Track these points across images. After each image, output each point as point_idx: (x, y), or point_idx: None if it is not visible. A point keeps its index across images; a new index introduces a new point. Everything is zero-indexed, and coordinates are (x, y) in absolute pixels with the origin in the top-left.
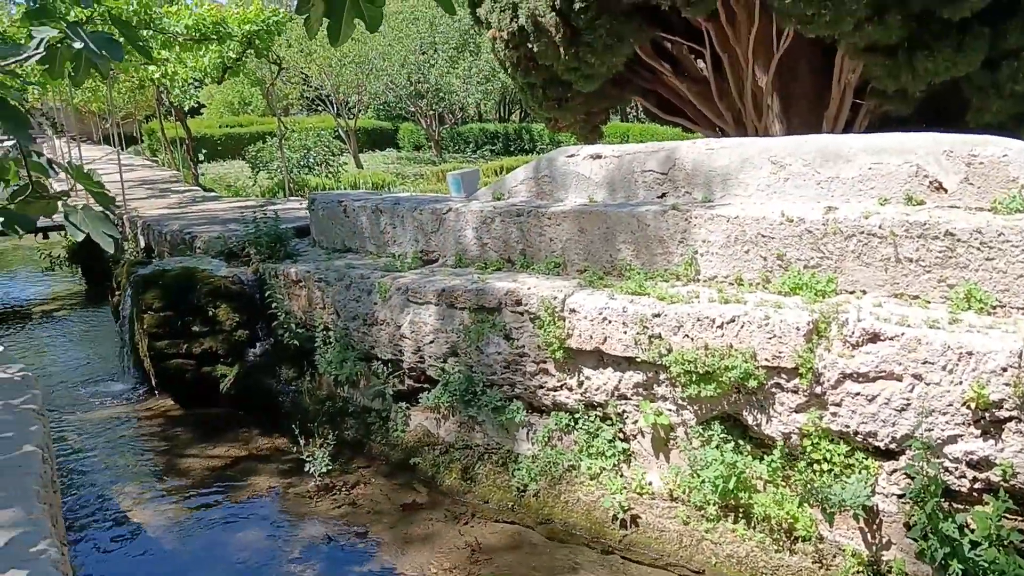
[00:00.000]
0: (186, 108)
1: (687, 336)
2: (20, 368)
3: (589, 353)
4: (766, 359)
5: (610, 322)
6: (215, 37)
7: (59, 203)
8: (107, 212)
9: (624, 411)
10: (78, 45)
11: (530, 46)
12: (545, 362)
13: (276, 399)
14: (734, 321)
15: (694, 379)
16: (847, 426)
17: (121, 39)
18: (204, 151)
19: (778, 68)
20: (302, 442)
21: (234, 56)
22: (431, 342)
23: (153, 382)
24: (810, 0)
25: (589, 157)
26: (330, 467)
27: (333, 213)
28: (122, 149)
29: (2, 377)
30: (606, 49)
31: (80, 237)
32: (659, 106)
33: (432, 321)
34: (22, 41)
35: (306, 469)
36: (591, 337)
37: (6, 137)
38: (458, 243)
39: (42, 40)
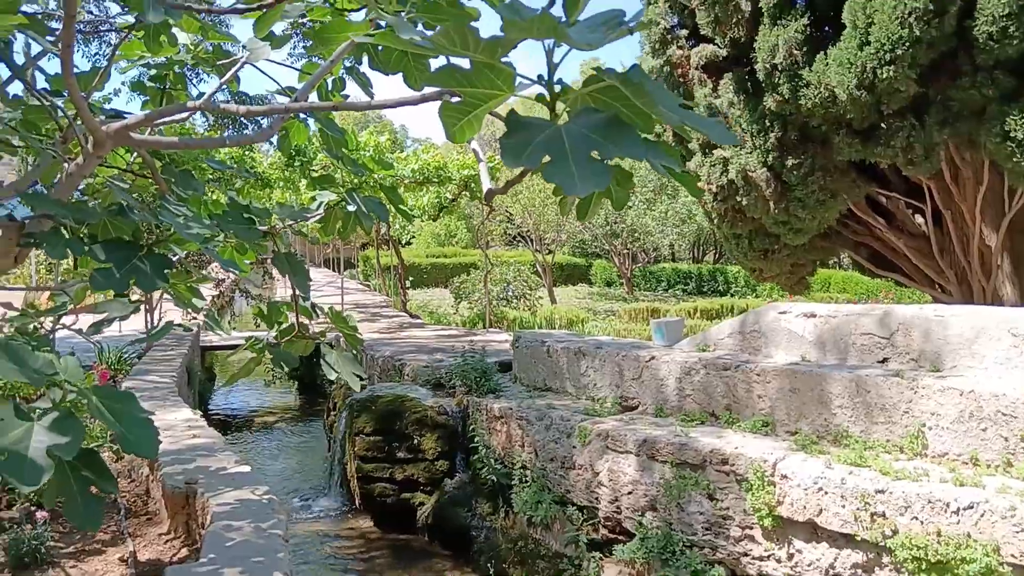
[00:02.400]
0: (402, 241)
1: (916, 518)
2: (266, 490)
3: (801, 524)
4: (1012, 555)
5: (826, 493)
6: (436, 180)
7: (315, 342)
8: (356, 353)
9: None
10: (352, 208)
11: (738, 199)
12: (751, 528)
13: (469, 533)
14: (972, 508)
15: (924, 567)
16: None
17: (387, 203)
18: (411, 278)
19: (1009, 227)
20: None
21: (450, 197)
22: (629, 493)
23: (356, 502)
24: None
25: (802, 315)
26: None
27: (536, 352)
28: (339, 272)
29: (251, 499)
30: (818, 204)
31: (333, 376)
32: (871, 259)
33: (631, 471)
34: (272, 180)
35: None
36: (804, 507)
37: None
38: (659, 392)
39: (322, 203)
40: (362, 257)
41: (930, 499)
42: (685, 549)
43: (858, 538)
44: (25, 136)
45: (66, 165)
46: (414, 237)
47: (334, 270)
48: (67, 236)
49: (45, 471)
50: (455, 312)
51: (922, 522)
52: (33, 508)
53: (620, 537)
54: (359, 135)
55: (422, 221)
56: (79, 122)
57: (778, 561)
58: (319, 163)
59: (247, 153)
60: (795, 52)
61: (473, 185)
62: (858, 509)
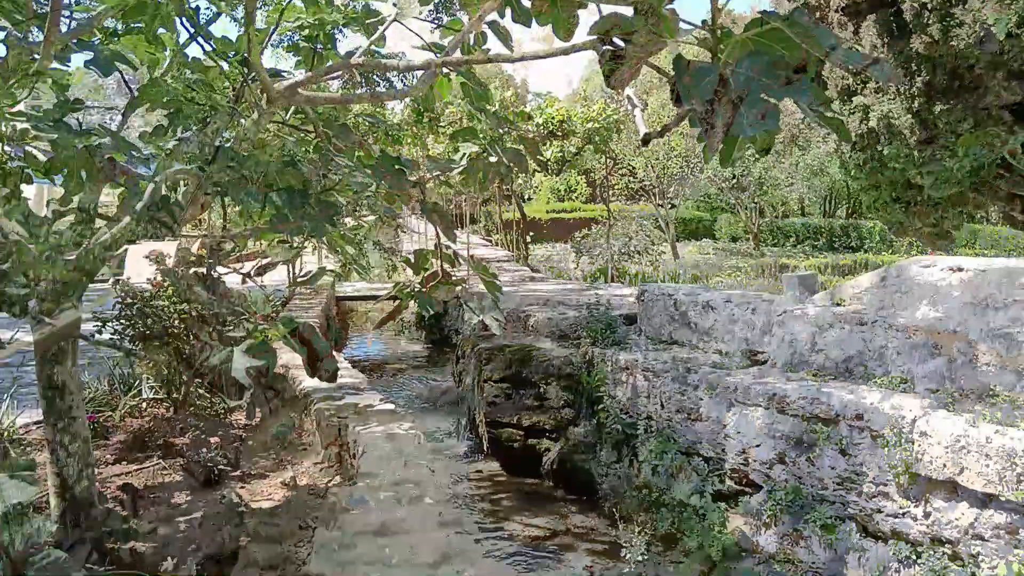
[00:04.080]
0: (525, 196)
1: None
2: (410, 426)
3: (940, 483)
4: None
5: (968, 452)
6: (560, 134)
7: (457, 288)
8: (495, 299)
9: (979, 553)
10: (493, 159)
11: (879, 148)
12: (886, 485)
13: (593, 480)
14: None
15: None
16: None
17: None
18: (531, 234)
19: None
20: (621, 527)
21: (574, 151)
22: (757, 446)
23: (484, 446)
24: None
25: (948, 269)
26: (644, 556)
27: (662, 305)
28: (462, 228)
29: (398, 433)
30: (968, 153)
31: (475, 320)
32: None
33: (759, 425)
34: (400, 136)
35: (621, 554)
36: (944, 466)
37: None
38: (790, 346)
39: (465, 155)
40: (483, 212)
41: None
42: (815, 503)
43: (1003, 498)
44: (208, 96)
45: (242, 121)
46: (535, 192)
47: (459, 227)
48: (248, 186)
49: (246, 389)
50: (576, 267)
51: None
52: (203, 436)
53: (747, 489)
54: None
55: (544, 176)
56: (253, 81)
57: (914, 519)
58: (446, 119)
59: (377, 110)
60: None
61: (597, 138)
62: (1004, 469)
